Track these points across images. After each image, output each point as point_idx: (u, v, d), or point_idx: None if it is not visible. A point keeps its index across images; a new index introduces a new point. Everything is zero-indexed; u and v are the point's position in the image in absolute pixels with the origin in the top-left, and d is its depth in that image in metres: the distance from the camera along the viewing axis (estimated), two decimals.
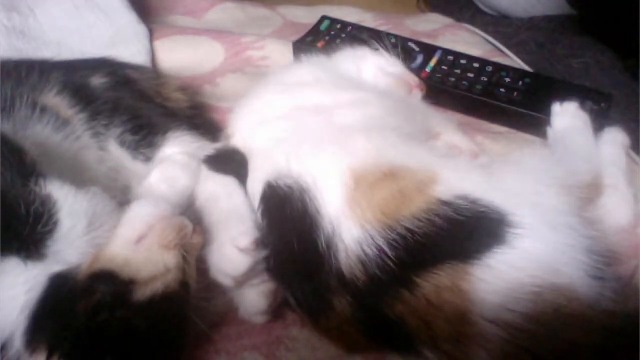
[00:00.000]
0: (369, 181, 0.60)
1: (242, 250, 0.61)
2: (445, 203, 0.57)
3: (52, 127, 0.68)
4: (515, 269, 0.54)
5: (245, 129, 0.75)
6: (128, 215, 0.57)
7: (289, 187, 0.62)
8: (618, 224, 0.63)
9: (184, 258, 0.59)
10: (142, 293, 0.54)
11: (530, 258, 0.54)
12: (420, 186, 0.58)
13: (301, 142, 0.66)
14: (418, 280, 0.55)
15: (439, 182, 0.59)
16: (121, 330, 0.52)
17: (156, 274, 0.55)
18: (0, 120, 0.64)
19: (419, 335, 0.56)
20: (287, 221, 0.62)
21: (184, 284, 0.57)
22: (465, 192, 0.57)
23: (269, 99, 0.77)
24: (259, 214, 0.65)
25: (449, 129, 0.82)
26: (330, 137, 0.66)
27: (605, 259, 0.55)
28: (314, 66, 0.84)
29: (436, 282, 0.54)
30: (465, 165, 0.64)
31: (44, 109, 0.68)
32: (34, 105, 0.68)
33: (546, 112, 0.86)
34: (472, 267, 0.54)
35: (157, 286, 0.55)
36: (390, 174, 0.60)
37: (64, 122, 0.70)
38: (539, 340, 0.52)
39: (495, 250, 0.55)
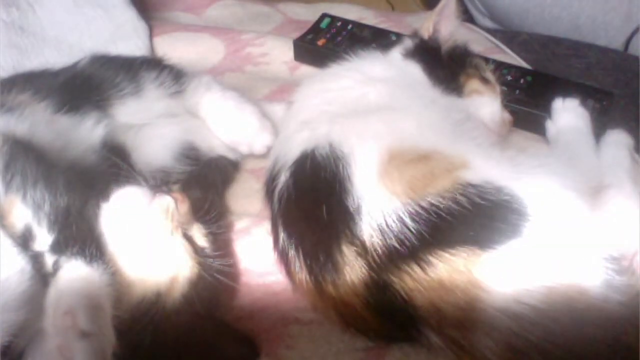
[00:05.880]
0: (404, 159, 0.61)
1: None
2: (471, 185, 0.58)
3: None
4: (529, 263, 0.54)
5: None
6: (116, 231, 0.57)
7: (323, 156, 0.63)
8: (624, 224, 0.63)
9: (185, 235, 0.59)
10: (172, 299, 0.56)
11: (543, 253, 0.55)
12: (450, 168, 0.60)
13: (345, 115, 0.68)
14: (432, 259, 0.55)
15: (469, 167, 0.60)
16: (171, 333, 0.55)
17: (173, 274, 0.56)
18: None
19: (426, 317, 0.56)
20: (316, 186, 0.63)
21: (201, 262, 0.59)
22: (492, 179, 0.59)
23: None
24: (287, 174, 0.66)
25: None
26: (376, 116, 0.67)
27: (614, 256, 0.56)
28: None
29: (450, 264, 0.55)
30: (497, 155, 0.65)
31: None
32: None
33: (548, 110, 0.86)
34: (488, 254, 0.55)
35: (181, 285, 0.56)
36: (425, 157, 0.61)
37: None
38: (550, 337, 0.52)
39: (512, 241, 0.55)
